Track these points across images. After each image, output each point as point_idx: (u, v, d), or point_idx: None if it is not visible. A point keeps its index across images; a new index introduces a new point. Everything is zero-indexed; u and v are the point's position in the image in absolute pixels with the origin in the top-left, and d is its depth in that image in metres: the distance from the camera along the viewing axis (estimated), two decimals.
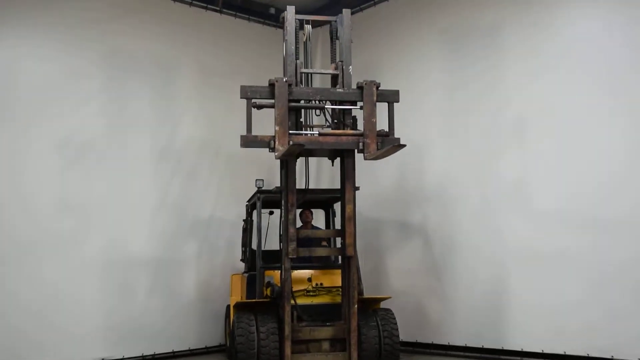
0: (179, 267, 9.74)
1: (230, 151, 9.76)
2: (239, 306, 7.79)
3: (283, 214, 7.27)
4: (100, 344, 8.75)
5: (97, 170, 8.95)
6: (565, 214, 7.95)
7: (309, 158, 7.88)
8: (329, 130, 7.26)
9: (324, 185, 10.28)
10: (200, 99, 10.13)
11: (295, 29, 7.41)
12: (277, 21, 10.57)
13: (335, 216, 9.23)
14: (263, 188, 8.38)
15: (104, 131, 9.04)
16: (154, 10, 9.76)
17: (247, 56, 10.61)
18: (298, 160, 7.41)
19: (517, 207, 8.43)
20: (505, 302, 8.50)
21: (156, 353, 9.31)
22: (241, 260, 9.51)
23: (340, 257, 7.97)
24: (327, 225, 9.52)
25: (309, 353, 7.37)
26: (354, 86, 7.30)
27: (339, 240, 7.96)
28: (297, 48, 7.40)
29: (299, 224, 8.11)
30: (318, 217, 9.65)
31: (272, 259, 8.42)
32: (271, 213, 8.89)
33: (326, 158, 7.81)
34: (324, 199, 9.08)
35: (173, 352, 9.49)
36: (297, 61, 7.31)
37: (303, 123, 7.44)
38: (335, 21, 7.68)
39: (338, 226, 8.39)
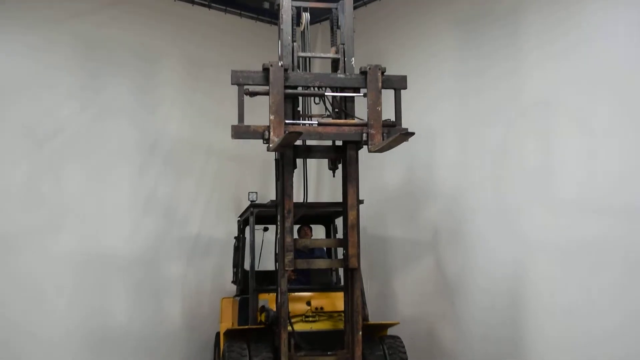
0: (162, 290, 9.71)
1: (220, 159, 10.06)
2: (229, 333, 7.70)
3: (279, 222, 7.12)
4: None
5: (74, 168, 9.08)
6: (594, 203, 7.80)
7: (308, 168, 7.78)
8: (330, 120, 7.17)
9: (325, 198, 10.27)
10: (185, 105, 10.22)
11: (292, 17, 7.30)
12: (271, 17, 10.58)
13: (337, 232, 9.19)
14: (257, 201, 8.32)
15: (82, 125, 9.20)
16: (136, 6, 9.87)
17: (239, 55, 10.53)
18: (295, 170, 7.27)
19: (540, 200, 8.30)
20: (527, 329, 8.34)
21: None
22: (232, 282, 9.44)
23: (342, 279, 7.88)
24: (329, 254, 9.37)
25: None
26: (357, 72, 7.22)
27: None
28: (293, 38, 7.28)
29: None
30: (317, 234, 9.59)
31: (267, 280, 8.36)
32: (266, 229, 8.85)
33: (326, 168, 7.68)
34: (324, 214, 8.99)
35: None
36: (294, 44, 7.20)
37: (301, 112, 7.37)
38: (336, 8, 7.57)
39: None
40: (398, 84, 7.21)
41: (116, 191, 9.44)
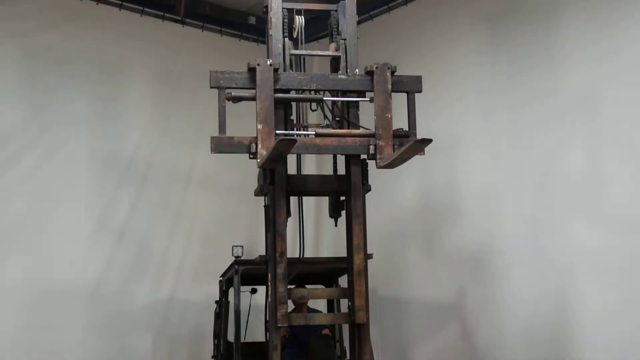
0: None
1: (196, 202, 10.31)
2: None
3: (270, 266, 7.00)
4: None
5: (21, 192, 9.26)
6: None
7: (305, 216, 7.73)
8: (330, 130, 7.06)
9: (325, 253, 10.36)
10: (156, 141, 10.50)
11: (283, 21, 7.22)
12: (258, 34, 10.81)
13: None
14: (242, 257, 8.27)
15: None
16: (95, 21, 10.10)
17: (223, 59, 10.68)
18: (290, 219, 7.20)
19: (585, 222, 8.41)
20: None
21: None
22: (213, 357, 9.26)
23: (348, 351, 7.79)
24: (330, 309, 9.37)
25: None
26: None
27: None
28: (284, 47, 7.21)
29: (290, 306, 7.81)
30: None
31: (256, 355, 8.24)
32: (253, 292, 8.78)
33: (327, 215, 7.64)
34: (325, 272, 8.95)
35: None
36: (285, 39, 7.14)
37: (294, 121, 7.30)
38: (336, 10, 7.50)
39: (344, 309, 8.00)
40: (411, 86, 7.10)
41: (74, 225, 9.58)
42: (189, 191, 10.63)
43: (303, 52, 7.45)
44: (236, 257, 8.27)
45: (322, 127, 7.18)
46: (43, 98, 9.57)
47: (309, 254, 8.16)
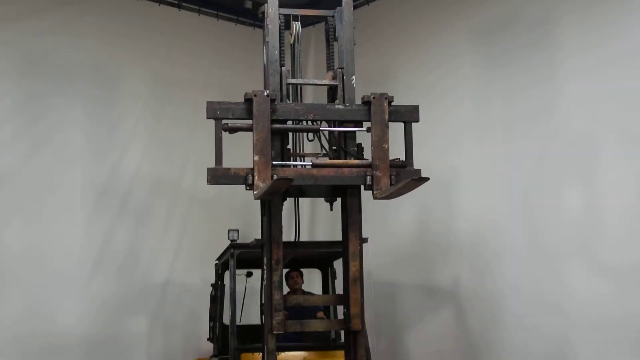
0: (122, 349, 9.72)
1: (193, 191, 10.19)
2: None
3: (265, 274, 7.00)
4: None
5: (11, 216, 9.13)
6: None
7: (300, 199, 7.77)
8: (326, 161, 6.95)
9: (320, 236, 10.39)
10: (152, 122, 10.44)
11: (280, 28, 7.19)
12: (254, 18, 10.70)
13: (335, 278, 9.12)
14: (238, 241, 8.26)
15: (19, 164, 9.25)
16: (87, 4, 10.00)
17: (216, 64, 10.89)
18: (285, 202, 7.23)
19: (581, 258, 8.35)
20: None
21: None
22: (208, 339, 9.34)
23: (343, 334, 7.76)
24: (325, 291, 9.40)
25: None
26: (358, 101, 7.08)
27: (340, 309, 7.80)
28: (281, 53, 7.20)
29: (285, 289, 8.00)
30: (312, 280, 9.71)
31: (251, 337, 8.27)
32: (249, 275, 8.81)
33: (322, 199, 7.64)
34: (320, 256, 8.97)
35: None
36: (282, 69, 7.10)
37: (291, 151, 7.24)
38: (333, 16, 7.45)
39: (339, 291, 8.04)
40: (408, 116, 7.09)
41: (66, 241, 9.49)
42: (185, 174, 10.61)
43: (300, 81, 7.46)
44: (232, 240, 8.25)
45: (319, 157, 7.15)
46: (40, 125, 9.52)
47: (304, 238, 8.31)
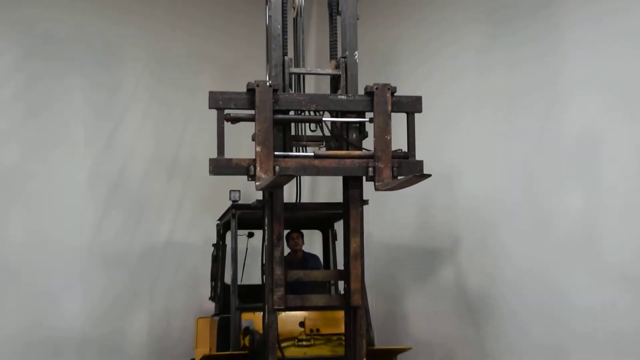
0: (124, 307, 9.91)
1: (195, 151, 10.26)
2: None
3: (267, 250, 7.09)
4: None
5: (16, 169, 9.43)
6: None
7: None
8: (329, 152, 7.01)
9: (321, 198, 10.42)
10: (152, 84, 10.53)
11: (283, 1, 7.15)
12: None
13: (336, 239, 9.21)
14: (240, 202, 8.26)
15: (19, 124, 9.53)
16: None
17: (217, 32, 11.02)
18: None
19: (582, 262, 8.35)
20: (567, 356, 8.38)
21: None
22: (210, 298, 9.48)
23: (343, 290, 7.81)
24: (326, 252, 9.49)
25: None
26: (360, 81, 7.08)
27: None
28: (284, 27, 7.16)
29: (286, 250, 8.14)
30: (313, 241, 9.78)
31: (252, 297, 8.27)
32: (250, 235, 8.88)
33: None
34: (320, 217, 9.02)
35: None
36: (285, 58, 7.03)
37: (294, 139, 7.29)
38: None
39: (339, 253, 8.19)
40: (411, 107, 7.03)
41: (69, 187, 9.67)
42: (185, 136, 10.65)
43: (302, 70, 7.41)
44: (233, 201, 8.25)
45: (321, 147, 7.20)
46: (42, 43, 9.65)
47: (305, 199, 8.63)
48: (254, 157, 6.56)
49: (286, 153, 6.86)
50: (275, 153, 6.65)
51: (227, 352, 7.88)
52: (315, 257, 9.30)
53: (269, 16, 7.02)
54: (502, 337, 9.01)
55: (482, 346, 9.22)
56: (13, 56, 9.52)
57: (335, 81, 7.21)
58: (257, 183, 6.56)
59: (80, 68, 9.93)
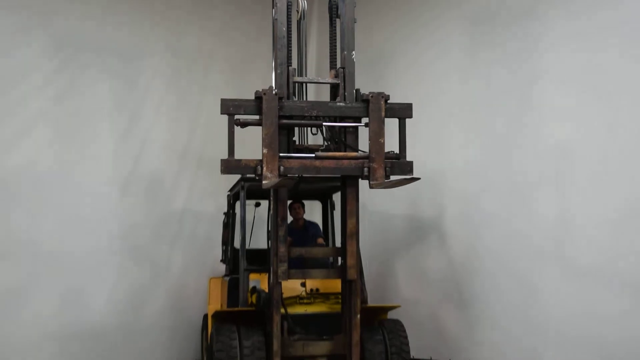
0: (145, 268, 10.02)
1: (207, 131, 10.36)
2: (218, 316, 7.85)
3: (272, 229, 7.28)
4: (50, 353, 9.05)
5: (50, 144, 9.32)
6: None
7: (303, 137, 7.86)
8: (328, 153, 7.15)
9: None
10: (172, 63, 10.58)
11: (288, 6, 7.26)
12: None
13: (334, 209, 9.36)
14: (248, 175, 8.30)
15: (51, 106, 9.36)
16: None
17: (227, 30, 11.08)
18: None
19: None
20: (538, 317, 8.47)
21: None
22: (221, 261, 9.69)
23: (339, 260, 7.95)
24: (325, 220, 9.66)
25: None
26: (357, 78, 7.24)
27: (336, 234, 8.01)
28: (289, 29, 7.29)
29: (289, 219, 8.10)
30: (313, 210, 9.95)
31: (259, 259, 8.54)
32: (257, 205, 8.99)
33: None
34: (320, 188, 9.16)
35: None
36: (290, 68, 7.20)
37: (297, 142, 7.40)
38: None
39: (337, 221, 8.48)
40: (402, 113, 7.19)
41: (96, 163, 9.63)
42: (195, 136, 10.69)
43: (305, 79, 7.52)
44: (242, 174, 8.15)
45: (322, 149, 7.27)
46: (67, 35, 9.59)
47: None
48: (260, 158, 6.75)
49: (290, 154, 7.00)
50: (280, 154, 6.82)
51: (236, 309, 8.04)
52: (315, 224, 9.36)
53: (275, 19, 7.17)
54: (480, 295, 9.06)
55: (462, 303, 9.30)
56: (43, 47, 9.36)
57: (334, 89, 7.35)
58: (264, 182, 6.71)
59: (104, 60, 9.85)
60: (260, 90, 6.83)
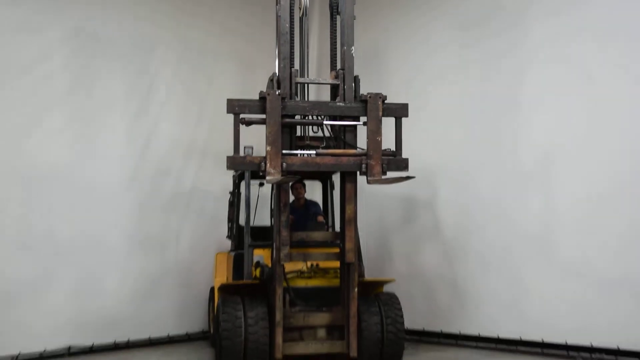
0: (156, 244, 10.08)
1: (216, 118, 10.09)
2: (224, 288, 8.00)
3: (274, 214, 7.47)
4: (68, 330, 9.05)
5: (63, 133, 9.24)
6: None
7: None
8: (328, 150, 7.34)
9: None
10: (182, 45, 10.58)
11: (290, 3, 7.43)
12: None
13: (333, 189, 9.49)
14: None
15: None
16: None
17: (233, 23, 11.08)
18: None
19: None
20: (523, 288, 8.80)
21: (130, 340, 9.65)
22: (227, 237, 9.86)
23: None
24: (325, 199, 9.79)
25: (303, 341, 7.60)
26: (356, 70, 7.41)
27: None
28: (292, 25, 7.44)
29: (291, 198, 8.33)
30: (314, 190, 10.07)
31: (262, 236, 8.70)
32: (261, 185, 9.05)
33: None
34: (320, 170, 8.88)
35: (149, 339, 9.87)
36: (292, 69, 7.34)
37: (300, 135, 7.59)
38: None
39: (336, 200, 8.61)
40: (399, 113, 7.35)
41: (110, 141, 9.64)
42: (202, 122, 10.73)
43: (307, 80, 7.70)
44: (247, 156, 8.07)
45: (322, 147, 7.47)
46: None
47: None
48: (264, 155, 6.96)
49: (292, 152, 7.21)
50: (283, 151, 7.01)
51: (241, 282, 8.21)
52: (315, 203, 9.47)
53: (279, 15, 7.33)
54: (469, 270, 9.41)
55: (453, 278, 9.59)
56: (62, 39, 9.26)
57: (334, 89, 7.56)
58: (267, 177, 6.89)
59: (118, 52, 9.80)
60: (265, 91, 7.03)
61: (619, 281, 7.97)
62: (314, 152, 7.25)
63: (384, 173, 7.17)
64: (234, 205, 9.57)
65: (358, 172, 7.34)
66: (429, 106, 9.80)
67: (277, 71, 7.36)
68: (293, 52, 7.45)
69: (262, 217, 9.11)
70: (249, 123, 7.14)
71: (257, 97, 7.00)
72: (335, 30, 7.80)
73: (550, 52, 8.64)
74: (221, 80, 10.36)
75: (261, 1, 10.68)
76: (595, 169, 8.19)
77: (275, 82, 7.43)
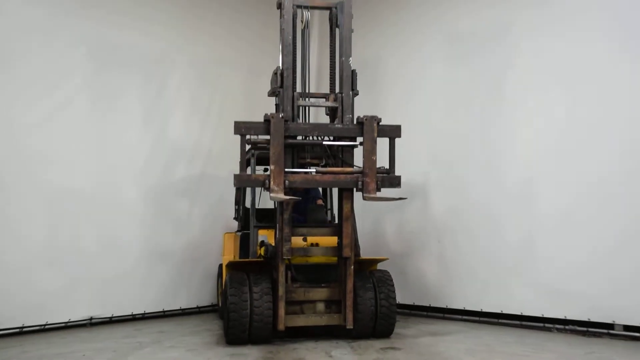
0: (169, 224, 10.22)
1: (224, 105, 10.68)
2: (231, 265, 8.13)
3: (277, 213, 7.63)
4: (88, 302, 9.16)
5: (85, 120, 9.26)
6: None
7: (304, 117, 8.16)
8: (327, 169, 7.52)
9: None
10: (192, 33, 10.69)
11: (293, 17, 7.60)
12: None
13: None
14: (259, 139, 8.18)
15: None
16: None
17: (236, 37, 11.27)
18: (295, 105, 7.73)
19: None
20: (505, 265, 9.02)
21: (146, 312, 9.87)
22: (234, 218, 10.08)
23: (337, 217, 8.40)
24: (324, 190, 9.91)
25: (303, 314, 7.78)
26: (354, 68, 7.60)
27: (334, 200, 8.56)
28: (294, 37, 7.62)
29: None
30: None
31: (267, 217, 8.84)
32: (266, 170, 8.52)
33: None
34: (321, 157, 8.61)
35: (163, 311, 10.09)
36: (295, 93, 7.53)
37: (304, 151, 7.74)
38: (335, 8, 7.85)
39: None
40: (392, 133, 7.55)
41: (126, 130, 9.69)
42: (211, 109, 10.86)
43: (307, 103, 7.84)
44: (253, 143, 8.03)
45: (321, 165, 7.67)
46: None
47: None
48: (268, 174, 7.20)
49: (294, 170, 7.43)
50: (286, 170, 7.25)
51: (247, 260, 8.34)
52: (315, 188, 9.33)
53: (282, 28, 7.57)
54: (457, 250, 9.59)
55: (442, 257, 9.81)
56: (84, 53, 9.25)
57: (333, 112, 7.80)
58: (271, 194, 7.11)
59: (134, 60, 9.88)
60: (269, 114, 7.26)
61: (590, 267, 8.22)
62: (314, 169, 7.47)
63: (379, 189, 7.42)
64: (240, 189, 9.65)
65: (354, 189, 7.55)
66: (422, 93, 10.02)
67: (280, 64, 7.58)
68: (295, 62, 7.64)
69: (266, 200, 8.93)
70: (254, 144, 7.47)
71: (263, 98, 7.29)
72: (335, 42, 7.98)
73: (535, 43, 8.75)
74: (230, 68, 10.59)
75: (266, 9, 10.53)
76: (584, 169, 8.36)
77: (279, 75, 7.63)
